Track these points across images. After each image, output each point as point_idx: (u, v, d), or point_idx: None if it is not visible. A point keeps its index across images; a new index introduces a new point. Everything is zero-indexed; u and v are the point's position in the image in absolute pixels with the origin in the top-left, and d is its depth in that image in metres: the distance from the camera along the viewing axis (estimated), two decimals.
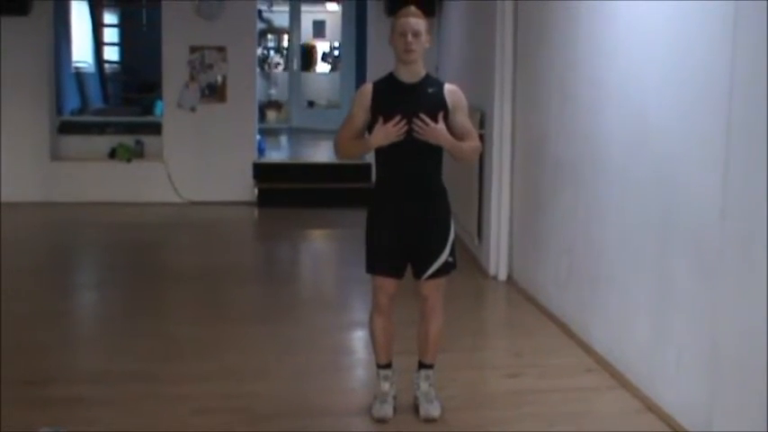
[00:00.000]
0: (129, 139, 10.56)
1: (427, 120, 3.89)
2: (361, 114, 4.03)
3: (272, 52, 17.95)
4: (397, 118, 3.89)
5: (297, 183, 10.62)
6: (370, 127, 4.03)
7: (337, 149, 4.14)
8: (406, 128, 3.90)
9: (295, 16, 15.87)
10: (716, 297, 3.73)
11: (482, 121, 6.97)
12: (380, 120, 3.92)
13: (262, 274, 7.63)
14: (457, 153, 4.02)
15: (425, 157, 4.02)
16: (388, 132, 3.92)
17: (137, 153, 10.50)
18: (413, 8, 4.01)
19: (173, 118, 10.30)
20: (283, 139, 14.29)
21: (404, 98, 3.97)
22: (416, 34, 3.93)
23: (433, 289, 4.12)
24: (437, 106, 3.97)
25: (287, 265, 8.25)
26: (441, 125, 3.92)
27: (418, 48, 3.95)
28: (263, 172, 10.52)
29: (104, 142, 10.54)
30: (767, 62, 3.33)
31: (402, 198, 4.02)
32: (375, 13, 10.54)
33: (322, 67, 17.87)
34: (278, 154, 12.49)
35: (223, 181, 10.29)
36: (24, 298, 6.25)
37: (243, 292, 6.73)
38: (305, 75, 16.40)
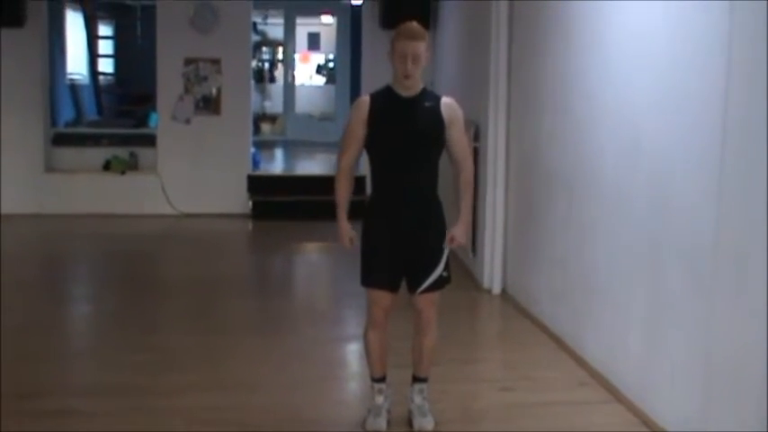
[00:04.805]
0: (123, 151, 10.54)
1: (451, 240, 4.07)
2: (360, 128, 4.03)
3: (266, 64, 17.97)
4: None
5: (291, 195, 10.61)
6: (367, 141, 4.04)
7: (338, 178, 4.13)
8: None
9: (290, 28, 15.90)
10: (710, 311, 3.73)
11: (476, 134, 6.98)
12: (352, 235, 4.10)
13: (256, 287, 7.61)
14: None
15: (421, 169, 4.02)
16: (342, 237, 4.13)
17: (131, 165, 10.49)
18: (415, 26, 3.97)
19: (167, 130, 10.30)
20: (278, 152, 14.29)
21: (401, 112, 3.98)
22: (416, 59, 3.90)
23: (427, 303, 4.12)
24: (434, 120, 3.99)
25: (281, 277, 8.24)
26: (456, 232, 4.09)
27: (417, 72, 3.95)
28: (258, 184, 10.51)
29: (98, 154, 10.52)
30: (765, 79, 3.35)
31: (398, 211, 4.02)
32: (370, 25, 10.58)
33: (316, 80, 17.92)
34: (272, 166, 12.48)
35: (217, 193, 10.28)
36: (18, 310, 6.22)
37: (237, 304, 6.71)
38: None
